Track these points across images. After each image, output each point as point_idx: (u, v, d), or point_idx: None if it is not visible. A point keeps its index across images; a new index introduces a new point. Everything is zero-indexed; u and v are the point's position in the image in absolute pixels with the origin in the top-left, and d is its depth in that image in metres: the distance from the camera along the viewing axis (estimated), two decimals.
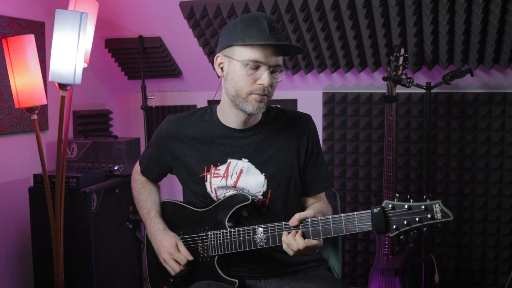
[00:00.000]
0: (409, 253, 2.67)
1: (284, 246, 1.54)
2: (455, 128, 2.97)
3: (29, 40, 2.33)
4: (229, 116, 1.71)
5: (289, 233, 1.53)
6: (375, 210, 1.44)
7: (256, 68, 1.59)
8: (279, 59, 1.61)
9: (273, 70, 1.60)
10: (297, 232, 1.52)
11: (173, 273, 1.72)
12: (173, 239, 1.73)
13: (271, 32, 1.58)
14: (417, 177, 3.05)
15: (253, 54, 1.57)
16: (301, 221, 1.53)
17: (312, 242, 1.51)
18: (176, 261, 1.70)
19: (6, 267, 2.78)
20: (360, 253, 3.21)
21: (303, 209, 1.80)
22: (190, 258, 1.69)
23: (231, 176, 1.70)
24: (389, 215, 1.45)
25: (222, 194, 1.72)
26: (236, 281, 1.66)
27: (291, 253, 1.53)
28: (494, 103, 2.90)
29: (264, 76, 1.58)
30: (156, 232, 1.77)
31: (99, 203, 2.72)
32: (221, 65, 1.66)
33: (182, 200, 1.85)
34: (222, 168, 1.71)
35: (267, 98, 1.62)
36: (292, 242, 1.51)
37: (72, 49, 2.28)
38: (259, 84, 1.59)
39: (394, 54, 2.60)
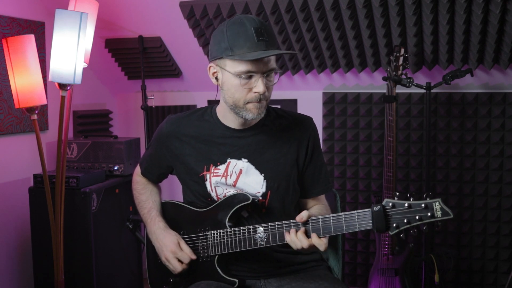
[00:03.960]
0: (409, 253, 2.67)
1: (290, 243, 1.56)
2: (455, 128, 2.97)
3: (29, 40, 2.33)
4: (229, 117, 1.71)
5: (291, 231, 1.55)
6: (376, 209, 1.45)
7: (250, 77, 1.58)
8: (272, 63, 1.59)
9: (267, 74, 1.59)
10: (297, 230, 1.54)
11: (175, 272, 1.71)
12: (175, 238, 1.73)
13: (259, 38, 1.55)
14: (417, 177, 3.05)
15: (244, 66, 1.56)
16: (309, 218, 1.54)
17: (319, 240, 1.52)
18: (179, 260, 1.70)
19: (6, 267, 2.78)
20: (360, 253, 3.21)
21: (302, 211, 1.80)
22: (193, 256, 1.69)
23: (231, 176, 1.70)
24: (390, 213, 1.45)
25: (222, 193, 1.72)
26: (236, 280, 1.66)
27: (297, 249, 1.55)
28: (494, 103, 2.90)
29: (258, 84, 1.58)
30: (157, 230, 1.77)
31: (99, 203, 2.72)
32: (215, 75, 1.66)
33: (182, 200, 1.85)
34: (222, 167, 1.71)
35: (265, 102, 1.63)
36: (295, 240, 1.53)
37: (72, 49, 2.28)
38: (255, 93, 1.59)
39: (394, 54, 2.60)
